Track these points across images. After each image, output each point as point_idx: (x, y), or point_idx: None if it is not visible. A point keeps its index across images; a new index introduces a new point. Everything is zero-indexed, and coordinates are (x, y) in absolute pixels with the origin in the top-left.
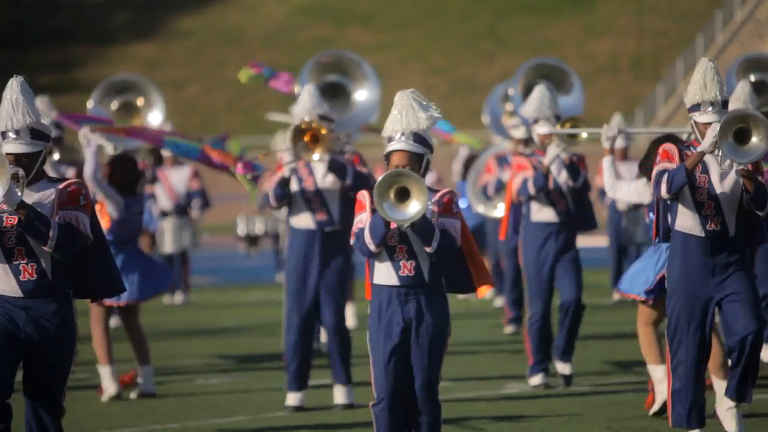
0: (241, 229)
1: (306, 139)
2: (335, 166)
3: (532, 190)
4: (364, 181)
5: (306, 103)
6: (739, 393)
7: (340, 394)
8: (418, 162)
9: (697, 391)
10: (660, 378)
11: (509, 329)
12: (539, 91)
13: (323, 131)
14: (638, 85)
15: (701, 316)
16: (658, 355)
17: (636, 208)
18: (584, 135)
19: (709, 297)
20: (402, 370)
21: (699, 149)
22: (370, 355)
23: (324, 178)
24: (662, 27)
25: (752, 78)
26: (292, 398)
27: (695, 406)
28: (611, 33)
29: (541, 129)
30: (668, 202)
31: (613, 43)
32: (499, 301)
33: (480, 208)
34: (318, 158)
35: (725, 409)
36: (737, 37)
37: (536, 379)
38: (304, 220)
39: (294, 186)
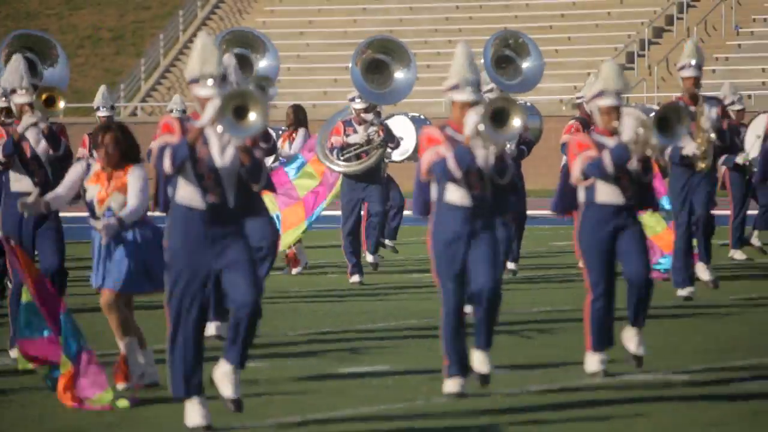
0: None
1: None
2: None
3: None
4: None
5: None
6: (241, 359)
7: None
8: None
9: (197, 359)
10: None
11: None
12: (15, 60)
13: None
14: (121, 59)
15: (200, 288)
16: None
17: None
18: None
19: (208, 268)
20: None
21: (199, 123)
22: None
23: None
24: (144, 0)
25: (236, 51)
26: None
27: (194, 375)
28: (93, 5)
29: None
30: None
31: (94, 15)
32: None
33: None
34: None
35: (221, 372)
36: (217, 13)
37: None
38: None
39: None
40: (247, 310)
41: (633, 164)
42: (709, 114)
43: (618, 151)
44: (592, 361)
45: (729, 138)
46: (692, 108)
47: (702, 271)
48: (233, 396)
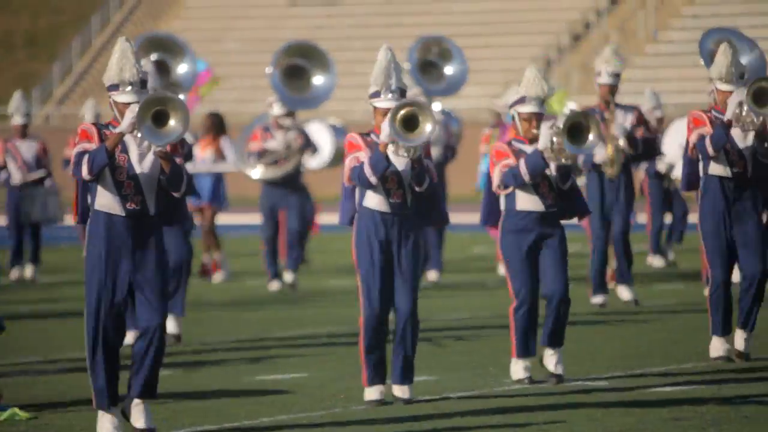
0: None
1: None
2: None
3: None
4: None
5: None
6: (150, 389)
7: None
8: None
9: (116, 370)
10: None
11: None
12: None
13: None
14: (34, 63)
15: (122, 298)
16: None
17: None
18: None
19: (129, 277)
20: None
21: (118, 129)
22: None
23: None
24: (58, 5)
25: (154, 57)
26: None
27: (112, 386)
28: (5, 9)
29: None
30: (88, 183)
31: (7, 19)
32: None
33: None
34: None
35: (134, 405)
36: (132, 17)
37: None
38: None
39: None
40: (152, 337)
41: (551, 171)
42: (623, 121)
43: (532, 159)
44: (517, 369)
45: (642, 146)
46: (606, 115)
47: (623, 291)
48: (146, 426)
